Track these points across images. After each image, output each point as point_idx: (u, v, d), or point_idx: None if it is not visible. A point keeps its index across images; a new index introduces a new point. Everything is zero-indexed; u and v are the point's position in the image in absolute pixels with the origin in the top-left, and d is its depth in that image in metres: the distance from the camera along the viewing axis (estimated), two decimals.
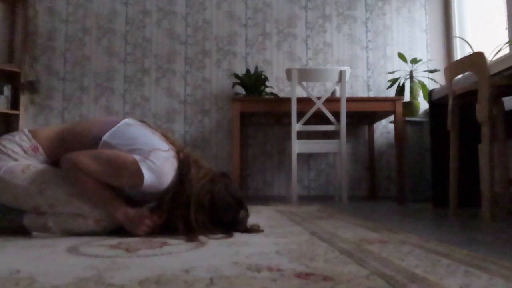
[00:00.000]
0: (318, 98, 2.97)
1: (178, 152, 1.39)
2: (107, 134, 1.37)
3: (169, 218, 1.31)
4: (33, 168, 1.31)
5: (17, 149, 1.35)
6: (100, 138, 1.36)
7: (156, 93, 3.81)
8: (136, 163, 1.26)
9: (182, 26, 3.86)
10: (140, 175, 1.25)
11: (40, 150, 1.38)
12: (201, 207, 1.29)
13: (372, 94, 3.77)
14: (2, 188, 1.29)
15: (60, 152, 1.35)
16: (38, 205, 1.29)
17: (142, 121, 1.52)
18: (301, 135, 3.58)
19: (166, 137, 1.47)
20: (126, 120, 1.46)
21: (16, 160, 1.33)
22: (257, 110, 3.19)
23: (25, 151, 1.35)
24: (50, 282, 0.70)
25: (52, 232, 1.29)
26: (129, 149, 1.32)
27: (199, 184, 1.31)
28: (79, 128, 1.43)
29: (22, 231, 1.30)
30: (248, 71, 3.51)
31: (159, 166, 1.28)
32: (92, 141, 1.37)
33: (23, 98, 3.67)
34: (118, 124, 1.41)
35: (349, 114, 3.46)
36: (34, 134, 1.40)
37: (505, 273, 0.76)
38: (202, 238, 1.21)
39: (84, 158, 1.28)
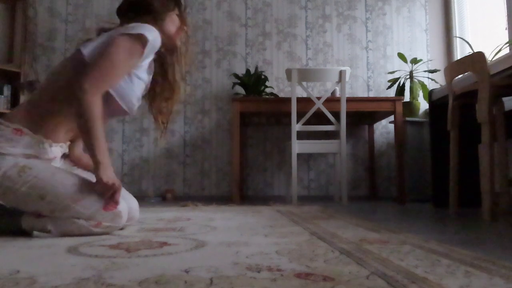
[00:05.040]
0: (318, 98, 2.97)
1: None
2: (84, 50, 1.36)
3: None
4: (28, 169, 1.26)
5: None
6: (81, 55, 1.34)
7: None
8: (126, 36, 1.36)
9: None
10: (141, 37, 1.36)
11: (25, 130, 1.30)
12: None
13: (372, 94, 3.77)
14: (2, 192, 1.26)
15: (51, 110, 1.35)
16: (39, 210, 1.27)
17: None
18: (301, 135, 3.58)
19: None
20: None
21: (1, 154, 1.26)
22: (257, 110, 3.19)
23: (7, 140, 1.27)
24: (50, 282, 0.70)
25: (52, 234, 1.28)
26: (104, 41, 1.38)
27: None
28: (54, 76, 1.43)
29: (21, 232, 1.29)
30: (248, 71, 3.51)
31: (141, 25, 1.41)
32: (76, 68, 1.36)
33: (23, 98, 3.66)
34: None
35: (349, 114, 3.46)
36: (9, 119, 1.32)
37: (505, 273, 0.76)
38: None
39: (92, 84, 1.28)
